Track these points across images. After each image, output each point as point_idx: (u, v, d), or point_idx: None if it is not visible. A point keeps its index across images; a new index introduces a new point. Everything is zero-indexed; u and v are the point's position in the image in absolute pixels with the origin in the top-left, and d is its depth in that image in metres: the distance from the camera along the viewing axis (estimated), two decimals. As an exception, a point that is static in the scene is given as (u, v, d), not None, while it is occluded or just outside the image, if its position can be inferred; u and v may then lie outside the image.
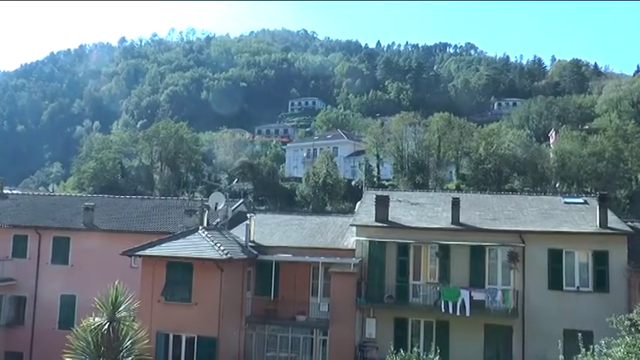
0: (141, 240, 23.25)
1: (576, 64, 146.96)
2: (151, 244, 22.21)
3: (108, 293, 12.00)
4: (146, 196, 38.14)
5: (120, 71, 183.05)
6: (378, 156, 74.06)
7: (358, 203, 28.02)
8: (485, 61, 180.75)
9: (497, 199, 27.48)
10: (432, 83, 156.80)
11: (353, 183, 67.82)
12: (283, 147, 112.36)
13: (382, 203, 24.23)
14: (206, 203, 26.97)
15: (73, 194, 39.92)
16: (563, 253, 21.95)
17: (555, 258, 22.04)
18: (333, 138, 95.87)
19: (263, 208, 67.21)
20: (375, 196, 25.11)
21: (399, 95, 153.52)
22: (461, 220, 23.82)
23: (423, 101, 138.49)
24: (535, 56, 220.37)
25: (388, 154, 73.23)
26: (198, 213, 25.86)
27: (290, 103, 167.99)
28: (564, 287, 21.90)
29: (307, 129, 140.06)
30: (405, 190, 32.55)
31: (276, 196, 66.80)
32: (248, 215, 26.51)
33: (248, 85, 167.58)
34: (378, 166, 73.38)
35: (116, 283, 12.01)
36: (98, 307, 12.00)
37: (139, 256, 21.98)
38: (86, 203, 29.23)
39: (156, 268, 21.30)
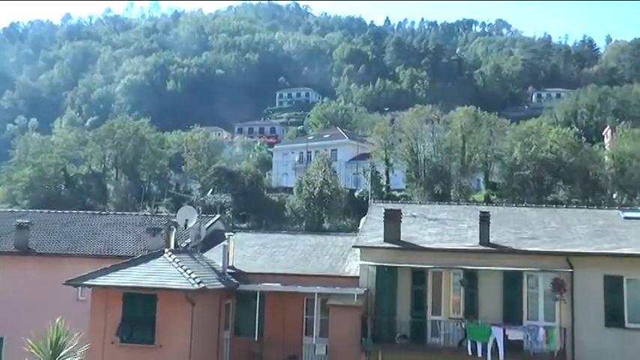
0: (90, 266, 22.86)
1: (638, 45, 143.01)
2: (104, 272, 21.94)
3: (46, 334, 11.72)
4: (97, 212, 37.90)
5: (64, 56, 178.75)
6: (387, 160, 73.28)
7: (363, 219, 28.04)
8: (521, 42, 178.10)
9: (537, 213, 27.22)
10: (454, 70, 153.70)
11: (356, 194, 67.43)
12: (270, 149, 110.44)
13: (393, 219, 24.13)
14: (173, 220, 26.98)
15: (2, 209, 39.48)
16: (624, 280, 21.72)
17: (614, 287, 21.76)
18: (332, 138, 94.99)
19: (245, 225, 64.79)
20: (383, 211, 25.03)
21: (412, 85, 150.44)
22: (491, 240, 23.64)
23: (443, 92, 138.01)
24: (585, 36, 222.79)
25: (400, 158, 72.13)
26: (163, 232, 25.84)
27: (278, 95, 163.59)
28: (626, 324, 21.56)
29: (299, 127, 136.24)
30: (420, 203, 32.43)
31: (261, 210, 66.86)
32: (226, 235, 26.52)
33: (226, 73, 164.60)
34: (387, 173, 72.94)
35: (57, 320, 11.77)
36: (33, 352, 11.72)
37: (88, 286, 21.74)
38: (19, 220, 28.74)
39: (109, 301, 21.11)
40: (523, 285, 22.52)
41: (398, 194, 72.97)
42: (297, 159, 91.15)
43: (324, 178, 65.69)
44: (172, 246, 24.99)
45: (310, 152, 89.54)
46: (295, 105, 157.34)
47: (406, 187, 70.91)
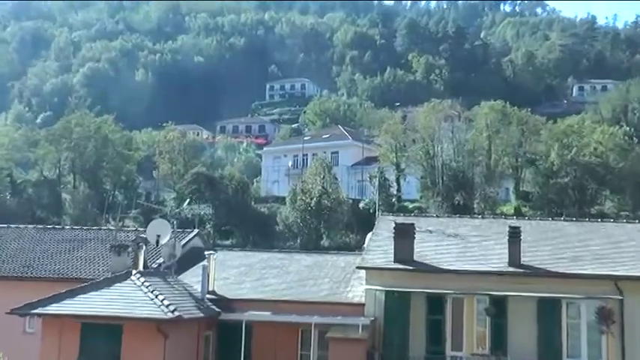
0: (41, 291, 22.53)
1: None
2: (57, 298, 21.75)
3: (-15, 373, 12.92)
4: (51, 225, 37.63)
5: (9, 38, 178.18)
6: (397, 165, 73.07)
7: (369, 235, 28.18)
8: (560, 24, 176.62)
9: (578, 228, 27.28)
10: (479, 58, 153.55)
11: (361, 205, 67.39)
12: (258, 152, 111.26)
13: (404, 235, 24.15)
14: (143, 236, 27.17)
15: None
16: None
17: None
18: (332, 139, 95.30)
19: (228, 242, 64.35)
20: (393, 225, 25.05)
21: (428, 75, 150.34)
22: (523, 261, 23.55)
23: (465, 84, 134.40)
24: (638, 17, 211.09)
25: (413, 163, 72.08)
26: (130, 250, 25.92)
27: (268, 88, 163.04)
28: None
29: (293, 125, 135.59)
30: (438, 216, 32.74)
31: (248, 224, 66.60)
32: (206, 254, 26.67)
33: (206, 61, 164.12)
34: (398, 180, 72.70)
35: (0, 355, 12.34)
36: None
37: (38, 315, 21.50)
38: (-47, 235, 32.21)
39: (64, 332, 20.86)
40: (562, 315, 22.30)
41: (411, 205, 70.45)
42: (290, 163, 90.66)
43: (322, 186, 65.09)
44: (141, 267, 24.87)
45: (306, 155, 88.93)
46: (289, 99, 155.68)
47: (421, 197, 70.10)
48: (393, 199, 68.62)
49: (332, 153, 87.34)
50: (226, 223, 67.50)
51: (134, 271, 23.36)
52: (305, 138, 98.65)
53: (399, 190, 72.52)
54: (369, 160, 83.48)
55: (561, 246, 25.10)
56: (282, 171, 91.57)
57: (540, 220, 31.07)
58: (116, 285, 22.45)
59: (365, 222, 53.10)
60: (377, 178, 65.32)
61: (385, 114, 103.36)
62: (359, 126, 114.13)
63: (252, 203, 73.44)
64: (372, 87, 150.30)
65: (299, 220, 63.92)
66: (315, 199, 63.48)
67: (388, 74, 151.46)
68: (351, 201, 68.08)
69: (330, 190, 65.38)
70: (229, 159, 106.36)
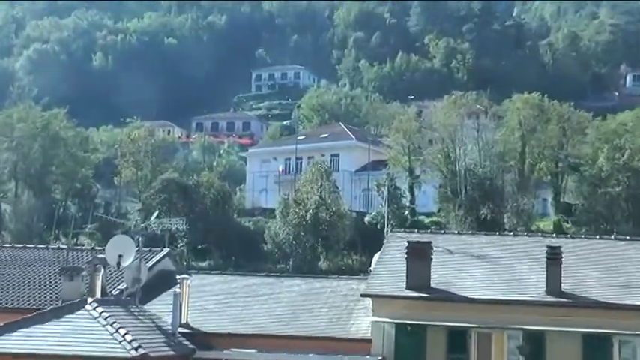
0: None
1: None
2: (-4, 331, 25.61)
3: None
4: (-14, 243, 42.65)
5: None
6: (411, 171, 74.31)
7: (376, 256, 28.45)
8: (609, 2, 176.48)
9: (634, 249, 27.23)
10: (510, 41, 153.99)
11: (367, 219, 69.16)
12: (242, 154, 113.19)
13: (419, 256, 24.31)
14: (101, 256, 26.95)
15: None
16: None
17: None
18: (332, 139, 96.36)
19: (205, 263, 65.20)
20: (406, 244, 25.28)
21: (449, 62, 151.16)
22: (564, 288, 23.64)
23: (494, 73, 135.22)
24: None
25: (430, 168, 73.35)
26: (85, 274, 25.78)
27: (254, 77, 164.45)
28: None
29: (285, 122, 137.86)
30: (460, 233, 32.84)
31: (230, 242, 67.20)
32: (178, 278, 26.68)
33: (179, 44, 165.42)
34: (411, 190, 73.81)
35: None
36: None
37: (-30, 353, 25.32)
38: None
39: (3, 375, 24.64)
40: (613, 354, 22.39)
41: (427, 220, 71.54)
42: (281, 168, 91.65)
43: (320, 197, 65.89)
44: (99, 294, 24.82)
45: (300, 159, 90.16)
46: (279, 90, 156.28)
47: (439, 210, 70.86)
48: (406, 213, 68.68)
49: (332, 156, 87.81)
50: (203, 241, 67.54)
51: (90, 300, 23.12)
52: (299, 138, 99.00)
53: (412, 201, 72.53)
54: (377, 165, 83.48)
55: (612, 270, 25.06)
56: (271, 178, 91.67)
57: (586, 238, 30.82)
58: (67, 316, 22.18)
59: (371, 240, 53.71)
60: (386, 187, 64.99)
61: (396, 109, 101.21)
62: (364, 124, 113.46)
63: (235, 217, 73.71)
64: (381, 76, 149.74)
65: (291, 238, 63.97)
66: (310, 211, 63.80)
67: (400, 61, 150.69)
68: (354, 214, 69.12)
69: (330, 201, 65.63)
70: (207, 163, 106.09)
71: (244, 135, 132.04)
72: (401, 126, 76.33)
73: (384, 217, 62.00)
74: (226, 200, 72.88)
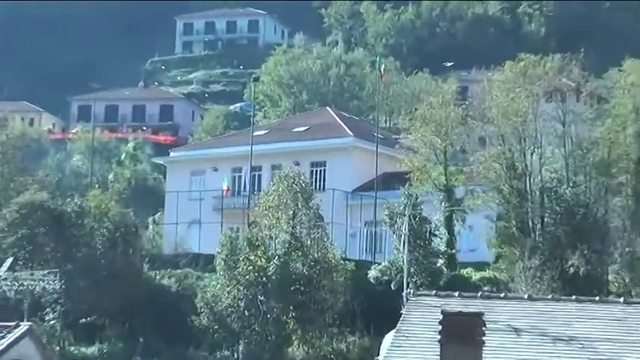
0: None
1: None
2: None
3: None
4: None
5: None
6: (449, 191, 72.72)
7: (389, 336, 28.68)
8: None
9: None
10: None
11: (373, 274, 67.86)
12: (158, 159, 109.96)
13: (463, 337, 23.96)
14: None
15: None
16: None
17: None
18: (314, 134, 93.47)
19: (94, 349, 64.39)
20: (440, 317, 24.70)
21: (514, 6, 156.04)
22: None
23: (590, 23, 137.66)
24: None
25: (482, 186, 71.80)
26: None
27: (180, 28, 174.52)
28: None
29: (233, 106, 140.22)
30: (532, 297, 32.41)
31: (136, 312, 65.64)
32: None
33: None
34: (449, 223, 72.25)
35: None
36: None
37: None
38: None
39: None
40: None
41: (476, 275, 69.92)
42: (226, 185, 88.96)
43: (292, 234, 64.68)
44: None
45: (259, 169, 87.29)
46: (224, 52, 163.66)
47: (497, 257, 69.22)
48: (439, 263, 67.35)
49: (313, 165, 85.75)
50: (90, 310, 65.29)
51: None
52: (257, 133, 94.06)
53: (451, 243, 70.99)
54: (390, 180, 79.33)
55: None
56: (207, 201, 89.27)
57: None
58: None
59: (380, 309, 54.48)
60: (406, 218, 63.23)
61: (424, 85, 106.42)
62: (369, 109, 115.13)
63: (146, 268, 71.39)
64: (397, 29, 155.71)
65: (242, 306, 61.32)
66: (276, 260, 62.06)
67: (429, 3, 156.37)
68: (351, 265, 66.70)
69: (310, 242, 64.25)
70: (99, 174, 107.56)
71: (162, 127, 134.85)
72: (431, 113, 73.23)
73: (401, 270, 61.14)
74: (131, 239, 70.86)
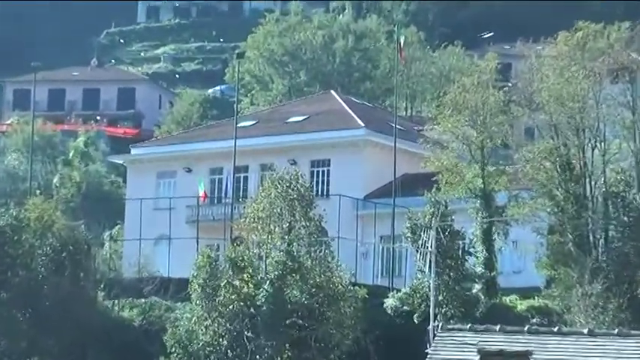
0: None
1: None
2: None
3: None
4: None
5: None
6: (486, 197, 72.44)
7: None
8: None
9: None
10: None
11: (390, 303, 67.99)
12: (115, 158, 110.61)
13: None
14: None
15: None
16: None
17: None
18: (315, 125, 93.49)
19: None
20: (478, 356, 26.54)
21: None
22: None
23: None
24: None
25: (529, 190, 71.70)
26: None
27: None
28: None
29: (211, 90, 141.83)
30: (592, 332, 32.38)
31: (89, 351, 66.35)
32: None
33: None
34: (487, 238, 72.33)
35: None
36: None
37: None
38: None
39: None
40: None
41: (522, 305, 69.24)
42: (203, 191, 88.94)
43: (288, 251, 63.82)
44: None
45: (245, 169, 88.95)
46: (199, 20, 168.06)
47: (549, 281, 68.83)
48: (475, 289, 67.42)
49: (314, 164, 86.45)
50: (31, 349, 65.16)
51: None
52: (241, 125, 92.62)
53: (489, 263, 71.02)
54: (412, 184, 79.53)
55: None
56: (180, 210, 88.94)
57: None
58: None
59: (400, 346, 56.07)
60: (432, 232, 61.64)
61: (453, 60, 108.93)
62: (384, 94, 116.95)
63: (101, 297, 70.11)
64: None
65: (224, 344, 60.61)
66: (268, 285, 60.83)
67: None
68: (362, 291, 65.80)
69: (310, 263, 62.85)
70: (41, 176, 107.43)
71: (122, 117, 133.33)
72: (465, 98, 73.53)
73: (426, 298, 61.52)
74: (81, 260, 69.50)
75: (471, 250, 69.07)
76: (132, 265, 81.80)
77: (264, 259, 64.09)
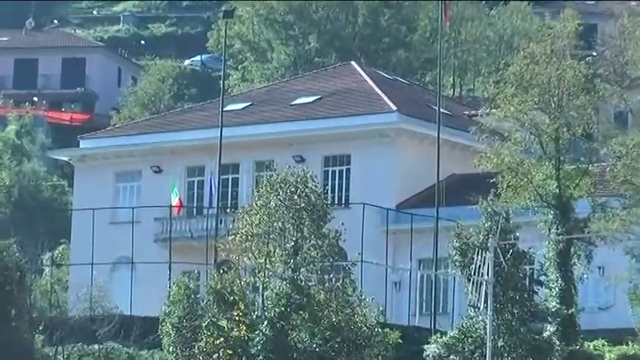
0: None
1: None
2: None
3: None
4: None
5: None
6: (563, 207, 74.02)
7: None
8: None
9: None
10: None
11: (433, 349, 68.40)
12: (60, 155, 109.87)
13: None
14: None
15: None
16: None
17: None
18: (328, 108, 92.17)
19: None
20: None
21: None
22: None
23: None
24: None
25: (621, 198, 73.28)
26: None
27: None
28: None
29: (190, 61, 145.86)
30: None
31: None
32: None
33: None
34: (563, 261, 75.14)
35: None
36: None
37: None
38: None
39: None
40: None
41: (610, 351, 69.80)
42: (176, 199, 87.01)
43: (292, 279, 64.15)
44: None
45: (236, 168, 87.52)
46: None
47: None
48: (547, 330, 65.28)
49: (329, 162, 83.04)
50: None
51: None
52: (229, 108, 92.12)
53: (568, 295, 71.35)
54: (461, 188, 77.04)
55: None
56: (145, 224, 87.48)
57: None
58: None
59: None
60: (489, 253, 61.88)
61: (517, 21, 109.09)
62: (422, 67, 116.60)
63: (39, 341, 68.95)
64: None
65: None
66: (266, 326, 61.05)
67: None
68: (395, 335, 66.21)
69: (323, 296, 62.00)
70: None
71: (68, 98, 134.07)
72: (533, 72, 73.63)
73: (482, 342, 60.50)
74: (13, 292, 68.66)
75: (542, 278, 67.03)
76: (81, 300, 78.83)
77: (260, 290, 61.93)
